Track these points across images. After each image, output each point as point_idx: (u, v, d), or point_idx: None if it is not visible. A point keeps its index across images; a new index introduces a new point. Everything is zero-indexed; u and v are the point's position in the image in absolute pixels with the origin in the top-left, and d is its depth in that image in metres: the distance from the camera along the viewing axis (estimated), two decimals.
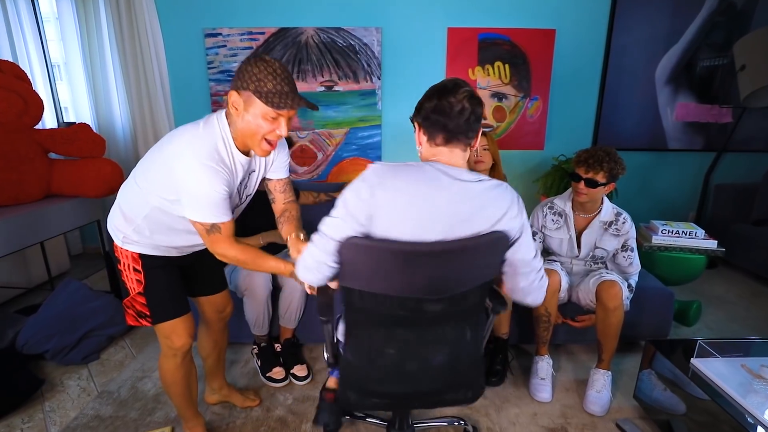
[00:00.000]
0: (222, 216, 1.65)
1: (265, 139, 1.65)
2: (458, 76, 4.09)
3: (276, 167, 1.96)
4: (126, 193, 1.80)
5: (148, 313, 1.86)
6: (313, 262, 1.51)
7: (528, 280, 1.58)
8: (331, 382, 2.16)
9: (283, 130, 1.63)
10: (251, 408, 2.44)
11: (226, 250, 1.71)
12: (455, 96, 1.43)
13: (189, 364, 2.03)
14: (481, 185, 1.43)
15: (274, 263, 1.80)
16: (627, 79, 4.20)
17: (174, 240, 1.83)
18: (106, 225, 1.89)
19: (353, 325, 1.58)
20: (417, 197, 1.38)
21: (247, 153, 1.75)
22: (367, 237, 1.40)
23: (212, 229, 1.67)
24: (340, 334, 1.73)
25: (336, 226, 1.43)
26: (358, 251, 1.40)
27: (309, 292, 1.72)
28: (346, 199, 1.42)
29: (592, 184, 2.38)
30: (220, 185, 1.61)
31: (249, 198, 1.93)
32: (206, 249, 2.05)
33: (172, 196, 1.65)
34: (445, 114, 1.43)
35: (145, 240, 1.80)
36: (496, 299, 1.66)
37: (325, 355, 1.80)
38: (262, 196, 2.10)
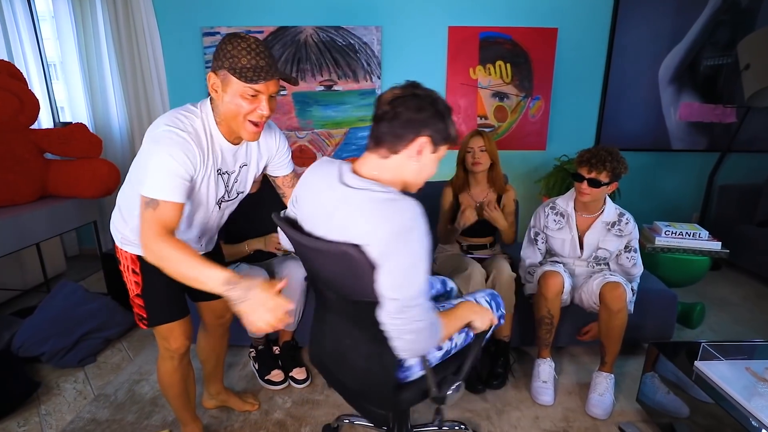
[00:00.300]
0: (168, 193, 1.49)
1: (249, 120, 1.59)
2: (459, 75, 4.11)
3: (277, 164, 1.94)
4: (123, 193, 1.79)
5: (144, 316, 1.85)
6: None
7: (386, 319, 1.33)
8: None
9: (264, 109, 1.57)
10: (249, 412, 2.45)
11: (153, 237, 1.47)
12: (381, 99, 1.41)
13: (186, 366, 2.03)
14: (362, 195, 1.31)
15: (207, 272, 1.41)
16: (630, 79, 4.21)
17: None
18: (109, 226, 1.89)
19: (315, 298, 1.77)
20: (315, 191, 1.46)
21: (235, 142, 1.71)
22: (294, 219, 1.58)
23: (150, 203, 1.48)
24: None
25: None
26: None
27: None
28: None
29: (595, 183, 2.38)
30: (180, 155, 1.51)
31: (241, 195, 1.90)
32: (210, 253, 2.05)
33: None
34: (373, 119, 1.42)
35: (130, 235, 1.78)
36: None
37: None
38: (248, 202, 2.09)
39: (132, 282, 1.83)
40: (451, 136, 1.43)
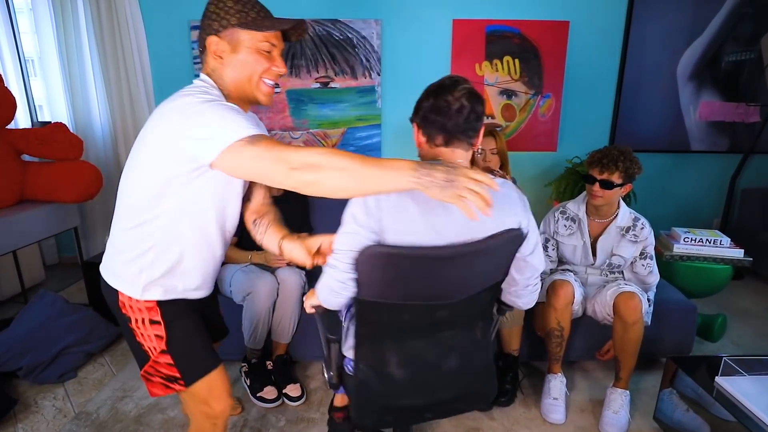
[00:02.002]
0: (252, 128, 1.34)
1: (263, 81, 1.54)
2: (464, 71, 4.12)
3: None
4: (119, 230, 1.57)
5: (178, 375, 1.59)
6: (337, 284, 1.50)
7: (524, 277, 1.73)
8: (338, 400, 2.31)
9: (281, 66, 1.55)
10: (233, 416, 2.53)
11: (291, 149, 1.30)
12: (453, 94, 1.47)
13: None
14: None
15: (390, 162, 1.26)
16: (647, 75, 4.23)
17: (204, 249, 1.61)
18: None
19: (364, 340, 1.61)
20: (427, 201, 1.43)
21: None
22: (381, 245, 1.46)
23: (254, 139, 1.31)
24: (347, 350, 1.73)
25: (351, 240, 1.46)
26: (377, 260, 1.44)
27: (310, 311, 1.72)
28: (354, 214, 1.47)
29: (607, 185, 2.41)
30: (233, 107, 1.41)
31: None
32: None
33: (183, 163, 1.40)
34: (443, 113, 1.48)
35: (161, 279, 1.55)
36: (502, 300, 1.85)
37: (327, 374, 1.82)
38: None
39: (152, 337, 1.58)
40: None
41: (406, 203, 1.44)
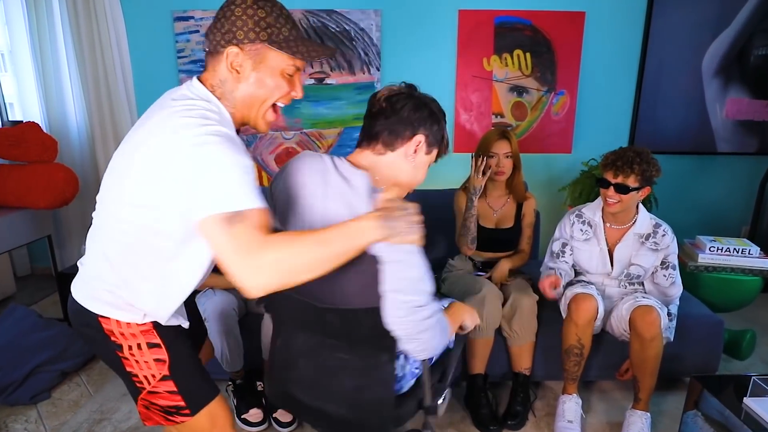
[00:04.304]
0: (251, 199, 1.26)
1: (272, 106, 1.48)
2: (471, 66, 4.16)
3: None
4: (113, 253, 1.45)
5: (183, 403, 1.52)
6: None
7: (395, 321, 1.47)
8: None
9: (299, 90, 1.50)
10: None
11: (262, 245, 1.24)
12: (376, 96, 1.66)
13: None
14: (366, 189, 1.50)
15: (354, 226, 1.32)
16: (669, 71, 4.24)
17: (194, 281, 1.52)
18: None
19: (274, 322, 1.89)
20: (311, 192, 1.61)
21: None
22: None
23: (234, 219, 1.23)
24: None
25: None
26: None
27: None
28: None
29: (622, 189, 2.42)
30: (244, 155, 1.30)
31: None
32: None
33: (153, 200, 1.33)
34: (369, 115, 1.66)
35: (154, 302, 1.47)
36: None
37: None
38: None
39: (151, 363, 1.49)
40: (445, 140, 1.68)
41: (298, 183, 1.60)
